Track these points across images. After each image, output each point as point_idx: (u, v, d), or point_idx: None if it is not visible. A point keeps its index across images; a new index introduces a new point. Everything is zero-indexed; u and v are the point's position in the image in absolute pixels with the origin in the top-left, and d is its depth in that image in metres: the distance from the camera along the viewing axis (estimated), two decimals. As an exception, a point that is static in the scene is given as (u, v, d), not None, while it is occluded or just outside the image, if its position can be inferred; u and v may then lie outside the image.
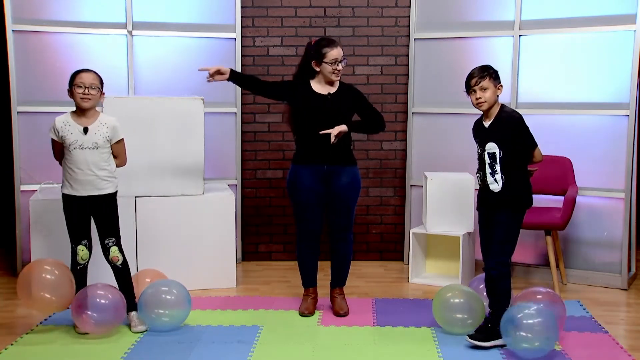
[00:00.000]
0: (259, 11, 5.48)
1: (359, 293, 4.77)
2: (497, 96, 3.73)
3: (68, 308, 3.96)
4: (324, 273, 4.61)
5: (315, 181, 4.17)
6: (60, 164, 3.98)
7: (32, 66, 5.09)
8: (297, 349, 3.77)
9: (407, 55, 5.48)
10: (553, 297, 3.85)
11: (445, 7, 5.37)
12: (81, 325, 3.86)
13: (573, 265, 5.09)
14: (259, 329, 4.04)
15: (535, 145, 3.75)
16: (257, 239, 5.65)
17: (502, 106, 3.77)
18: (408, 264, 5.25)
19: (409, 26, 5.45)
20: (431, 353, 3.70)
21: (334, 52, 4.09)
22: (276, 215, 5.63)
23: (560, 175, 4.92)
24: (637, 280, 5.12)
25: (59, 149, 3.94)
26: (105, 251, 4.00)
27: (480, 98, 3.69)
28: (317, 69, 4.14)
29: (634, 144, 4.86)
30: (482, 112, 3.79)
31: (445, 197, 4.98)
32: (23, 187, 5.10)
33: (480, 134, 3.78)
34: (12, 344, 3.81)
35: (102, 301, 3.84)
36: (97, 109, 3.97)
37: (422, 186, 5.25)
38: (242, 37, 5.43)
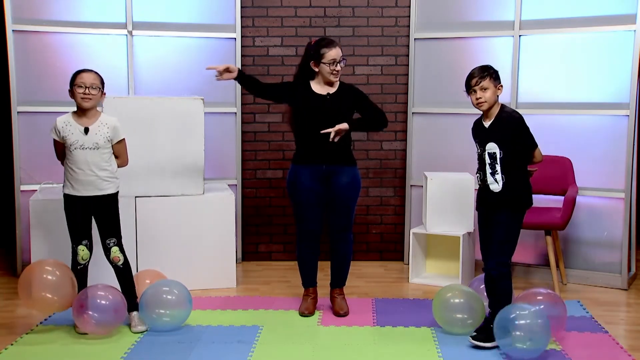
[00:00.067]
0: (259, 11, 5.48)
1: (359, 293, 4.77)
2: (497, 96, 3.73)
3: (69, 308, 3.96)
4: (324, 273, 4.61)
5: (314, 181, 4.17)
6: (62, 164, 3.98)
7: (32, 66, 5.10)
8: (297, 349, 3.77)
9: (407, 55, 5.48)
10: (554, 298, 3.84)
11: (445, 7, 5.37)
12: (82, 325, 3.86)
13: (573, 265, 5.09)
14: (259, 329, 4.04)
15: (535, 145, 3.75)
16: (257, 239, 5.65)
17: (503, 106, 3.77)
18: (408, 264, 5.25)
19: (409, 26, 5.45)
20: (431, 353, 3.70)
21: (332, 53, 4.09)
22: (276, 215, 5.63)
23: (560, 175, 4.92)
24: (637, 280, 5.12)
25: (61, 149, 3.94)
26: (107, 251, 4.00)
27: (480, 98, 3.69)
28: (316, 70, 4.14)
29: (634, 144, 4.86)
30: (482, 112, 3.79)
31: (445, 197, 4.98)
32: (23, 187, 5.10)
33: (481, 134, 3.78)
34: (12, 344, 3.81)
35: (103, 302, 3.84)
36: (97, 108, 3.97)
37: (422, 186, 5.25)
38: (242, 37, 5.43)
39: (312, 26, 5.49)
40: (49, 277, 3.90)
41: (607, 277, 4.96)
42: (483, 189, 3.81)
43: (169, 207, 4.74)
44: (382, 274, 5.29)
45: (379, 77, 5.53)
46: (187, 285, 4.14)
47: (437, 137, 5.45)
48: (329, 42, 4.12)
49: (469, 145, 3.94)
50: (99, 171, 3.91)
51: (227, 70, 4.14)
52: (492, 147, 3.71)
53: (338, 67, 4.10)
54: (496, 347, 3.69)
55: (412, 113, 5.49)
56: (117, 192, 4.02)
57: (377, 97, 5.42)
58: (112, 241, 3.99)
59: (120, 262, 4.01)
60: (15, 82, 5.04)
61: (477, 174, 3.83)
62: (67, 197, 3.95)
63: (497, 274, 3.74)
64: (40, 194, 4.81)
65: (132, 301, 4.01)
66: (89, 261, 4.02)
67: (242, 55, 5.42)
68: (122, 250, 4.02)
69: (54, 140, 3.93)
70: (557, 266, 4.87)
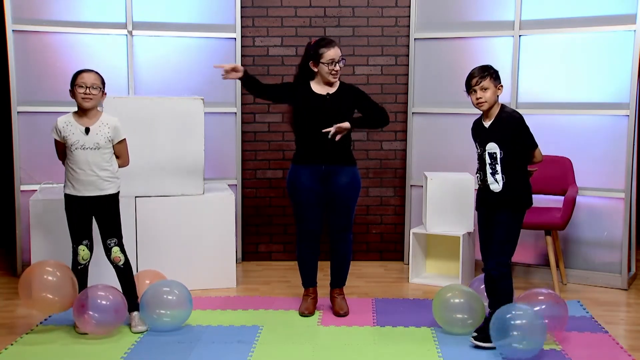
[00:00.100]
0: (259, 11, 5.48)
1: (359, 293, 4.77)
2: (498, 96, 3.73)
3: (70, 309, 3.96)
4: (324, 273, 4.61)
5: (314, 181, 4.17)
6: (63, 164, 3.98)
7: (32, 66, 5.09)
8: (297, 349, 3.77)
9: (407, 55, 5.48)
10: (555, 299, 3.84)
11: (445, 7, 5.37)
12: (82, 325, 3.86)
13: (573, 265, 5.09)
14: (259, 329, 4.04)
15: (535, 145, 3.75)
16: (257, 239, 5.65)
17: (503, 106, 3.77)
18: (408, 264, 5.25)
19: (409, 26, 5.45)
20: (431, 353, 3.70)
21: (331, 53, 4.08)
22: (276, 215, 5.63)
23: (560, 175, 4.92)
24: (637, 280, 5.12)
25: (62, 149, 3.94)
26: (107, 252, 4.00)
27: (480, 98, 3.69)
28: (315, 70, 4.14)
29: (634, 144, 4.86)
30: (482, 112, 3.79)
31: (445, 197, 4.98)
32: (23, 187, 5.10)
33: (481, 134, 3.78)
34: (12, 344, 3.81)
35: (104, 302, 3.84)
36: (97, 108, 3.97)
37: (422, 186, 5.25)
38: (242, 37, 5.43)
39: (312, 26, 5.49)
40: (50, 277, 3.89)
41: (607, 277, 4.96)
42: (483, 189, 3.81)
43: (169, 207, 4.74)
44: (382, 274, 5.29)
45: (379, 77, 5.53)
46: (187, 285, 4.14)
47: (437, 137, 5.45)
48: (327, 42, 4.11)
49: (469, 145, 3.93)
50: (99, 171, 3.91)
51: (234, 69, 4.14)
52: (492, 147, 3.71)
53: (337, 67, 4.10)
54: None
55: (412, 113, 5.49)
56: (118, 192, 4.02)
57: (377, 97, 5.40)
58: (113, 241, 3.99)
59: (121, 262, 4.01)
60: (15, 82, 5.04)
61: (477, 174, 3.83)
62: (68, 197, 3.95)
63: (497, 274, 3.74)
64: (40, 194, 4.81)
65: (132, 301, 4.01)
66: (89, 261, 4.02)
67: (242, 55, 5.41)
68: (123, 251, 4.02)
69: (55, 140, 3.93)
70: (557, 266, 4.87)
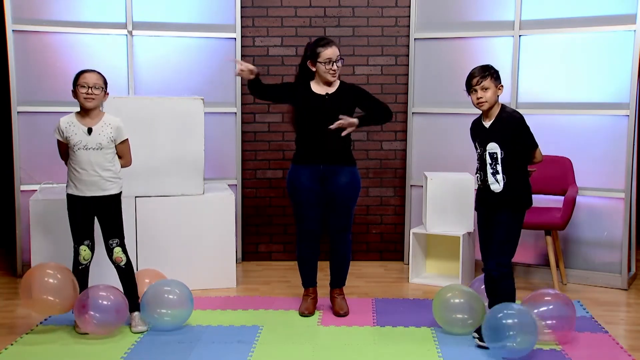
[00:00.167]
0: (259, 11, 5.48)
1: (359, 293, 4.77)
2: (498, 96, 3.73)
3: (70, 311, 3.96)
4: (324, 273, 4.61)
5: (313, 181, 4.17)
6: (66, 164, 3.98)
7: (32, 66, 5.09)
8: (297, 349, 3.77)
9: (407, 55, 5.48)
10: (563, 299, 3.82)
11: (445, 7, 5.37)
12: (83, 325, 3.86)
13: (573, 265, 5.09)
14: (259, 329, 4.04)
15: (536, 145, 3.75)
16: (257, 239, 5.65)
17: (503, 106, 3.77)
18: (408, 264, 5.25)
19: (409, 26, 5.45)
20: (431, 353, 3.70)
21: (328, 52, 4.08)
22: (276, 215, 5.63)
23: (560, 175, 4.92)
24: (637, 280, 5.12)
25: (65, 150, 3.94)
26: (109, 252, 4.00)
27: (481, 98, 3.69)
28: (313, 69, 4.14)
29: (634, 144, 4.86)
30: (481, 112, 3.79)
31: (445, 197, 4.98)
32: (23, 187, 5.10)
33: (481, 134, 3.78)
34: (12, 344, 3.81)
35: (105, 302, 3.84)
36: (99, 109, 3.97)
37: (422, 186, 5.25)
38: (242, 37, 5.43)
39: (312, 26, 5.49)
40: (51, 280, 3.88)
41: (607, 277, 4.96)
42: (483, 189, 3.81)
43: (169, 207, 4.74)
44: (382, 274, 5.29)
45: (379, 77, 5.53)
46: (187, 285, 4.14)
47: (437, 137, 5.45)
48: (325, 42, 4.11)
49: (469, 145, 3.93)
50: (102, 171, 3.91)
51: (250, 71, 4.11)
52: (493, 147, 3.70)
53: (334, 67, 4.10)
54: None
55: (412, 113, 5.49)
56: (120, 192, 4.02)
57: (377, 97, 5.38)
58: (115, 242, 3.99)
59: (123, 263, 4.01)
60: (15, 82, 5.04)
61: (477, 174, 3.83)
62: (70, 197, 3.95)
63: (498, 275, 3.74)
64: (40, 194, 4.81)
65: (133, 301, 4.01)
66: (90, 261, 4.02)
67: (242, 55, 5.41)
68: (124, 251, 4.01)
69: (58, 140, 3.93)
70: (557, 266, 4.87)
